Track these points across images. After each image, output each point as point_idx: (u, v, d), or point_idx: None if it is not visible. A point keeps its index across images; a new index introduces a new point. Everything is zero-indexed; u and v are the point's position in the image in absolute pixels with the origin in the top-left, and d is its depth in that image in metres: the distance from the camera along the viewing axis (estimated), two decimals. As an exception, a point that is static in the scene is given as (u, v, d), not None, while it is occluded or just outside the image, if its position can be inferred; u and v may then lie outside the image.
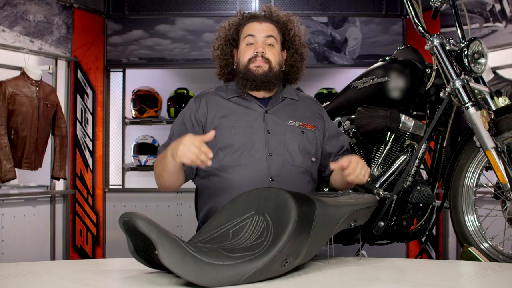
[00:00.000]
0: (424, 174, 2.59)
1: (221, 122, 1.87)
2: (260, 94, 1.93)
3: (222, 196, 1.82)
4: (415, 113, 2.27)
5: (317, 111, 2.00)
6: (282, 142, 1.85)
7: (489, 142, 1.86)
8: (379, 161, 2.26)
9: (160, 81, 4.89)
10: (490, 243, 1.99)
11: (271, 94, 1.94)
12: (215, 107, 1.91)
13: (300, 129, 1.90)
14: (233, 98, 1.93)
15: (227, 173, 1.83)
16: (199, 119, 1.89)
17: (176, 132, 1.94)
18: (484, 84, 2.13)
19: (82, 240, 4.47)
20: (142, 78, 4.85)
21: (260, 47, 1.88)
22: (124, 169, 4.71)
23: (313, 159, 1.91)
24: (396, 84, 2.22)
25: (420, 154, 2.17)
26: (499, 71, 3.51)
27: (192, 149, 1.53)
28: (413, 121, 2.21)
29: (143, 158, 4.63)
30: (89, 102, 4.53)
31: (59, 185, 4.33)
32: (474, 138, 1.92)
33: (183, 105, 4.67)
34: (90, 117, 4.54)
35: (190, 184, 2.01)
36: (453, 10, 2.16)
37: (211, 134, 1.58)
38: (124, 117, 4.70)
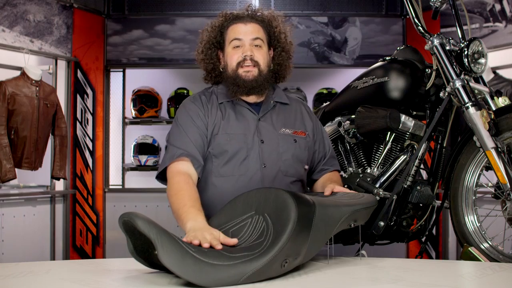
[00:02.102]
0: (424, 174, 2.59)
1: (215, 128, 1.84)
2: (251, 98, 1.90)
3: (215, 205, 1.78)
4: (415, 113, 2.27)
5: (307, 115, 2.00)
6: (275, 152, 1.84)
7: (489, 142, 1.86)
8: (379, 161, 2.26)
9: (160, 81, 4.89)
10: (490, 243, 1.98)
11: (261, 98, 1.92)
12: (211, 110, 1.87)
13: (293, 138, 1.89)
14: (225, 103, 1.89)
15: (220, 182, 1.81)
16: (205, 114, 1.85)
17: (191, 136, 1.81)
18: (484, 84, 2.13)
19: (82, 240, 4.47)
20: (142, 78, 4.85)
21: (248, 50, 1.84)
22: (124, 169, 4.71)
23: (306, 167, 1.92)
24: (396, 84, 2.22)
25: (420, 154, 2.17)
26: (499, 71, 3.51)
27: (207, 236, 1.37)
28: (413, 121, 2.21)
29: (143, 158, 4.63)
30: (89, 102, 4.53)
31: (59, 185, 4.33)
32: (474, 138, 1.92)
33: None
34: (90, 117, 4.54)
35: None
36: (453, 10, 2.16)
37: (234, 241, 1.39)
38: (124, 117, 4.70)
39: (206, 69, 1.96)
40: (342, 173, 2.39)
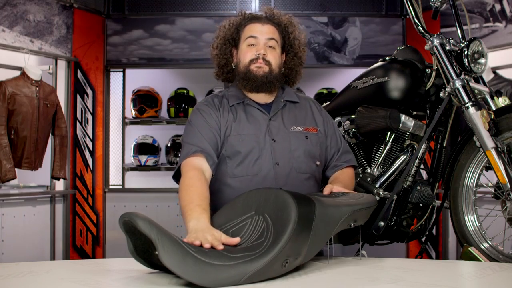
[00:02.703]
0: (424, 174, 2.60)
1: (227, 130, 1.86)
2: (261, 98, 1.92)
3: None
4: (415, 113, 2.27)
5: (317, 111, 2.00)
6: (287, 149, 1.85)
7: (489, 142, 1.86)
8: (379, 161, 2.26)
9: (160, 81, 4.89)
10: (490, 243, 1.99)
11: (272, 98, 1.94)
12: (222, 113, 1.89)
13: (304, 134, 1.89)
14: (235, 105, 1.91)
15: (235, 182, 1.82)
16: (218, 122, 1.86)
17: (205, 134, 1.83)
18: (484, 84, 2.13)
19: (82, 240, 4.47)
20: (142, 78, 4.85)
21: (261, 48, 1.88)
22: (124, 169, 4.70)
23: (318, 163, 1.91)
24: (396, 84, 2.22)
25: (420, 154, 2.17)
26: (499, 71, 3.51)
27: (208, 238, 1.37)
28: (413, 121, 2.21)
29: (143, 158, 4.63)
30: (89, 102, 4.53)
31: (59, 185, 4.33)
32: (474, 138, 1.92)
33: (183, 105, 4.67)
34: (90, 117, 4.54)
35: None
36: (453, 10, 2.16)
37: (236, 240, 1.40)
38: (124, 117, 4.70)
39: (218, 64, 1.99)
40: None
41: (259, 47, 1.88)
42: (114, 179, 4.69)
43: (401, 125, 2.19)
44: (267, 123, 1.88)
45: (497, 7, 3.74)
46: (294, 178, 1.83)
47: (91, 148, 4.53)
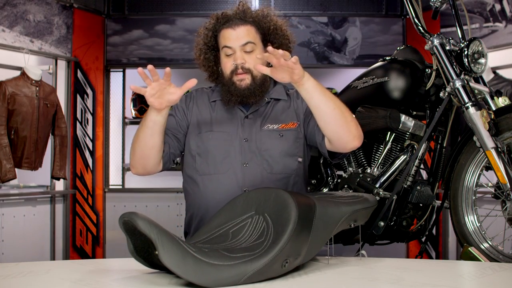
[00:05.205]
0: (424, 174, 2.60)
1: (201, 126, 1.86)
2: None
3: (199, 205, 1.82)
4: (415, 113, 2.27)
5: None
6: (258, 149, 1.82)
7: (489, 142, 1.86)
8: (379, 161, 2.26)
9: (160, 81, 4.88)
10: (490, 243, 1.99)
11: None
12: (200, 107, 1.91)
13: (278, 132, 1.84)
14: (217, 101, 1.91)
15: (203, 181, 1.82)
16: (186, 112, 1.91)
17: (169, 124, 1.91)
18: (484, 84, 2.13)
19: (82, 240, 4.47)
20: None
21: (238, 58, 1.81)
22: (124, 169, 4.70)
23: (300, 159, 1.86)
24: (396, 84, 2.22)
25: (420, 154, 2.17)
26: (499, 71, 3.51)
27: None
28: (413, 121, 2.22)
29: (143, 158, 4.63)
30: (89, 102, 4.53)
31: (59, 185, 4.32)
32: (474, 138, 1.92)
33: (183, 105, 4.68)
34: (90, 117, 4.54)
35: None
36: (453, 10, 2.16)
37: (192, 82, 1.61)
38: (124, 117, 4.69)
39: (206, 71, 1.99)
40: (342, 173, 2.39)
41: (236, 56, 1.82)
42: (114, 179, 4.69)
43: (401, 125, 2.19)
44: (242, 121, 1.86)
45: (497, 7, 3.73)
46: (265, 179, 1.79)
47: (91, 148, 4.53)
